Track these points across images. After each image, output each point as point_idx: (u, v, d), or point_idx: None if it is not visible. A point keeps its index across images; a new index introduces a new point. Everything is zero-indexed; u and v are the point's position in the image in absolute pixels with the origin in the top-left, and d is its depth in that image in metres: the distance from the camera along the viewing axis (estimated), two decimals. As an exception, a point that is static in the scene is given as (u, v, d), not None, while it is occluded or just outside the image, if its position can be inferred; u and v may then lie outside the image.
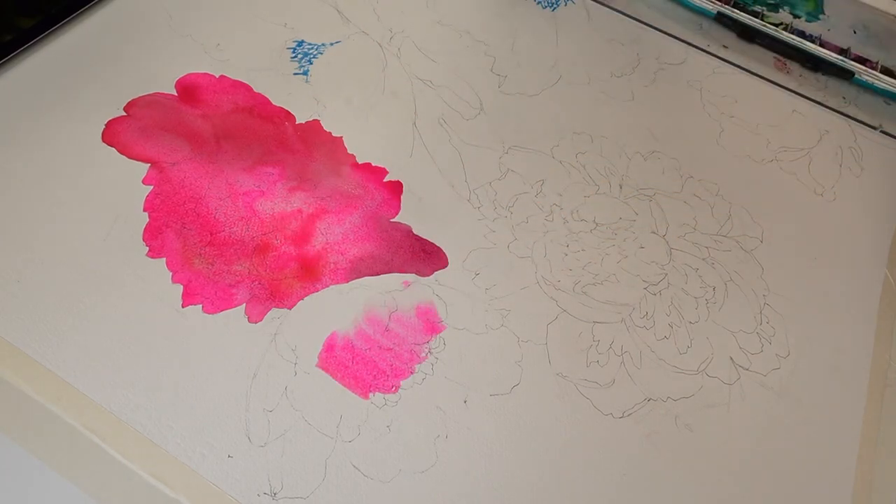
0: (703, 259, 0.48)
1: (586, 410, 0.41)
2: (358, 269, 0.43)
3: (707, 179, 0.53)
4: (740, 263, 0.49)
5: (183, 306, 0.40)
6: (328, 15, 0.57)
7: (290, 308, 0.41)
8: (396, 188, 0.48)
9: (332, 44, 0.55)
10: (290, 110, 0.50)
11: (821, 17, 0.66)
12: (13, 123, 0.46)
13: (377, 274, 0.43)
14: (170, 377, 0.38)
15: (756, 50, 0.64)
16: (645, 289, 0.46)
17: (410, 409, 0.39)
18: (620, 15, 0.64)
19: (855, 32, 0.66)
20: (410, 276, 0.44)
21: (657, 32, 0.63)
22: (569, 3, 0.64)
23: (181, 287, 0.41)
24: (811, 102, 0.61)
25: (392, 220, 0.46)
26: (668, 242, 0.49)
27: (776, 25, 0.64)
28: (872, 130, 0.59)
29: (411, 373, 0.40)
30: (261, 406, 0.38)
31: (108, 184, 0.44)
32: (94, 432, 0.36)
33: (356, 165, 0.48)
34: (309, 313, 0.41)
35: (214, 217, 0.44)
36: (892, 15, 0.68)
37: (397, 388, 0.39)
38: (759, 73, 0.62)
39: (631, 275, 0.47)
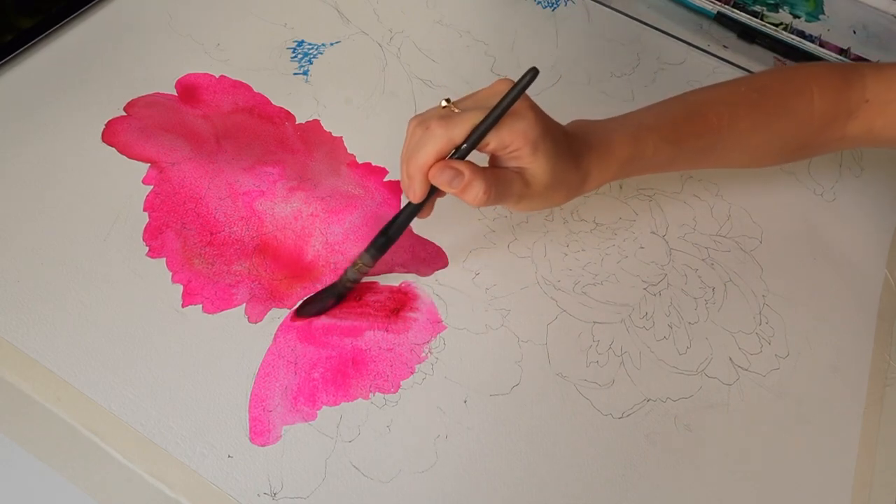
0: (703, 259, 0.48)
1: (586, 411, 0.41)
2: (358, 269, 0.43)
3: (707, 179, 0.53)
4: (740, 264, 0.49)
5: (183, 306, 0.40)
6: (328, 15, 0.57)
7: (290, 308, 0.41)
8: (396, 188, 0.48)
9: (332, 44, 0.55)
10: (290, 110, 0.50)
11: (821, 17, 0.66)
12: (13, 123, 0.46)
13: (377, 274, 0.43)
14: (170, 377, 0.38)
15: (756, 50, 0.64)
16: (645, 289, 0.46)
17: (410, 409, 0.39)
18: (620, 15, 0.64)
19: (855, 32, 0.66)
20: (410, 276, 0.44)
21: (657, 32, 0.63)
22: (569, 3, 0.64)
23: (181, 287, 0.41)
24: (811, 102, 0.60)
25: (392, 220, 0.46)
26: (667, 242, 0.49)
27: (776, 25, 0.64)
28: (872, 130, 0.59)
29: (411, 373, 0.40)
30: (261, 406, 0.38)
31: (108, 184, 0.44)
32: (94, 432, 0.36)
33: (356, 165, 0.48)
34: (309, 313, 0.41)
35: (214, 217, 0.44)
36: (892, 15, 0.68)
37: (397, 388, 0.39)
38: (759, 74, 0.62)
39: (631, 275, 0.47)
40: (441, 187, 0.36)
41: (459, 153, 0.36)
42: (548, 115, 0.37)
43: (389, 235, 0.39)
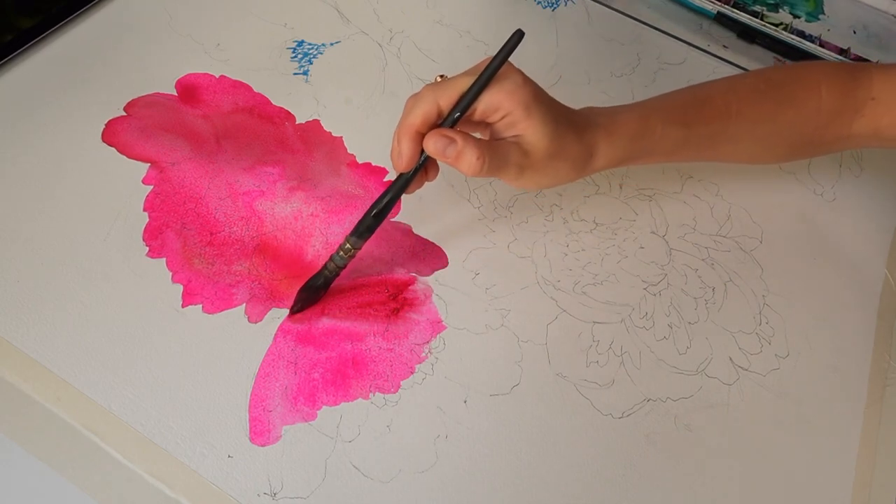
0: (703, 259, 0.48)
1: (586, 410, 0.41)
2: (358, 269, 0.43)
3: (707, 179, 0.53)
4: (739, 264, 0.49)
5: (183, 306, 0.40)
6: (328, 15, 0.57)
7: (290, 308, 0.41)
8: (396, 188, 0.48)
9: (332, 44, 0.55)
10: (290, 110, 0.50)
11: (821, 17, 0.66)
12: (13, 124, 0.46)
13: (377, 274, 0.43)
14: (170, 377, 0.38)
15: (756, 50, 0.64)
16: (645, 289, 0.46)
17: (410, 409, 0.39)
18: (620, 15, 0.64)
19: (855, 32, 0.66)
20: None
21: (657, 32, 0.63)
22: (569, 3, 0.64)
23: (181, 287, 0.41)
24: (811, 102, 0.60)
25: (392, 220, 0.46)
26: (667, 242, 0.49)
27: (776, 25, 0.64)
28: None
29: (411, 373, 0.40)
30: (261, 406, 0.38)
31: (108, 184, 0.44)
32: (94, 432, 0.36)
33: (356, 165, 0.48)
34: (309, 313, 0.41)
35: (214, 217, 0.44)
36: (892, 15, 0.68)
37: (397, 388, 0.39)
38: (759, 73, 0.62)
39: (631, 275, 0.47)
40: (435, 156, 0.36)
41: (450, 121, 0.36)
42: (539, 86, 0.38)
43: (377, 214, 0.38)
